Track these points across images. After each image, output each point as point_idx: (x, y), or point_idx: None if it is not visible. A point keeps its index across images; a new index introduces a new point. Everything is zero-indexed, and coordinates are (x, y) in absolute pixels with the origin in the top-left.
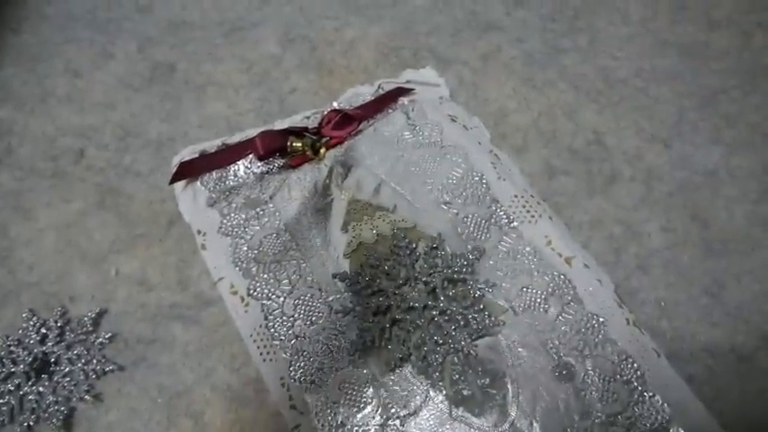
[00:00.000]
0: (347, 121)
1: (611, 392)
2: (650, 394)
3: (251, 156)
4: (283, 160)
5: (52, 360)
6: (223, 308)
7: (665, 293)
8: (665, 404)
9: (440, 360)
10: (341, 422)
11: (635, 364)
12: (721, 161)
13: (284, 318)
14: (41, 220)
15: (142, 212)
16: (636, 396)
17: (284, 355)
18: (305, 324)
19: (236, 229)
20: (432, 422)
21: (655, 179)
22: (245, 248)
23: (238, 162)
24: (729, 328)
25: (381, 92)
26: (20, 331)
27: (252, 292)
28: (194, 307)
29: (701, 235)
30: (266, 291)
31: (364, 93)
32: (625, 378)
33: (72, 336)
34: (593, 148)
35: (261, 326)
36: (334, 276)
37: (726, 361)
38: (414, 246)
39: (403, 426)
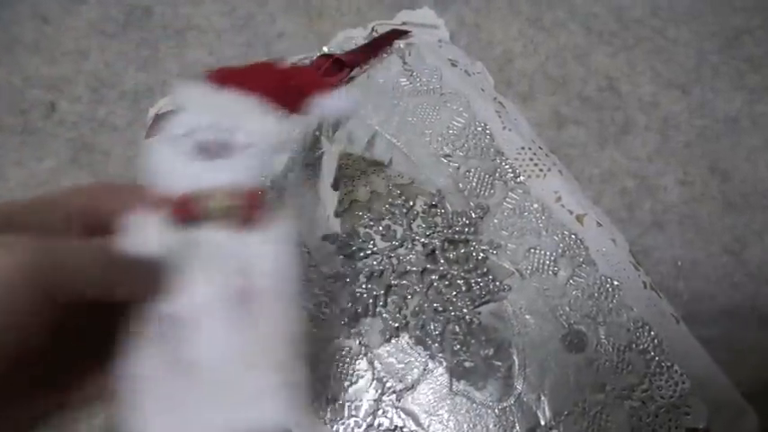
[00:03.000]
0: (338, 68)
1: (626, 363)
2: (668, 364)
3: None
4: None
5: None
6: None
7: (683, 252)
8: (685, 375)
9: (439, 329)
10: (331, 397)
11: (652, 332)
12: (744, 108)
13: None
14: (11, 179)
15: (120, 170)
16: (653, 366)
17: None
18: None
19: None
20: (430, 397)
21: (672, 128)
22: None
23: None
24: (750, 290)
25: (375, 35)
26: None
27: None
28: None
29: (721, 188)
30: None
31: (357, 36)
32: (641, 347)
33: None
34: (605, 94)
35: None
36: (324, 238)
37: (746, 324)
38: (411, 203)
39: (399, 401)
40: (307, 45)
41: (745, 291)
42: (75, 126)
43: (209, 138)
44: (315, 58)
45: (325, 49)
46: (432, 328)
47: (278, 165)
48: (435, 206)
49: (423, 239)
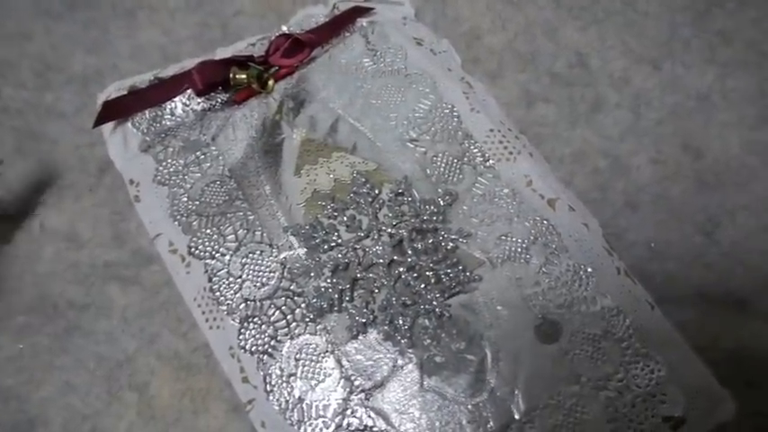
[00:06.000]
0: (298, 48)
1: (602, 352)
2: (644, 352)
3: (189, 91)
4: (226, 95)
5: None
6: (166, 265)
7: (656, 233)
8: (661, 362)
9: (408, 323)
10: (298, 397)
11: (627, 320)
12: (715, 83)
13: (231, 279)
14: None
15: (68, 159)
16: (628, 355)
17: (232, 322)
18: (254, 286)
19: (173, 177)
20: (401, 395)
21: (643, 105)
22: (185, 199)
23: (175, 99)
24: (724, 270)
25: (337, 12)
26: None
27: (193, 249)
28: (132, 265)
29: (694, 166)
30: (209, 248)
31: (317, 14)
32: (617, 335)
33: None
34: (575, 71)
35: (205, 289)
36: (287, 230)
37: (720, 306)
38: (376, 191)
39: (368, 400)
40: (265, 24)
41: (719, 272)
42: (19, 113)
43: None
44: (273, 37)
45: (285, 28)
46: (400, 322)
47: (236, 152)
48: (402, 194)
49: (389, 230)
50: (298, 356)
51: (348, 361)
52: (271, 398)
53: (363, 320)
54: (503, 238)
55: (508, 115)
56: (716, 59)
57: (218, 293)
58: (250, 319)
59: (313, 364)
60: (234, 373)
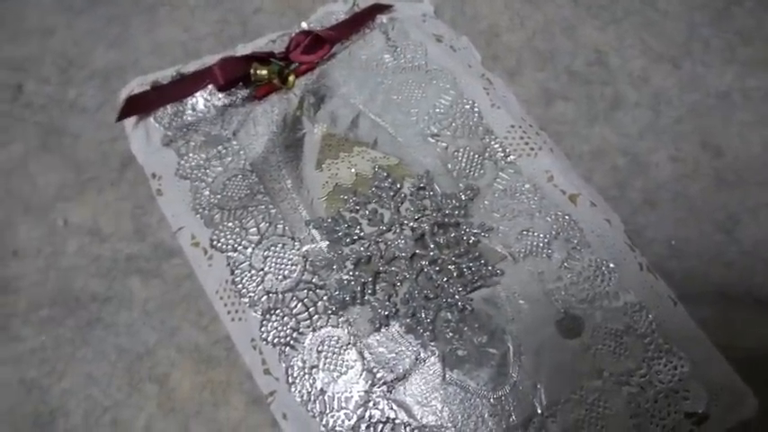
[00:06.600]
0: (318, 44)
1: (624, 348)
2: (667, 348)
3: (210, 86)
4: (247, 91)
5: None
6: (187, 259)
7: (675, 230)
8: (683, 359)
9: (431, 317)
10: (320, 389)
11: (650, 315)
12: (735, 82)
13: (253, 272)
14: None
15: (91, 154)
16: (651, 351)
17: (254, 314)
18: (276, 278)
19: (195, 171)
20: (423, 387)
21: (662, 103)
22: (207, 193)
23: (196, 94)
24: (744, 268)
25: (357, 9)
26: None
27: (215, 242)
28: (154, 259)
29: (713, 164)
30: (231, 241)
31: (337, 11)
32: (639, 331)
33: None
34: (594, 69)
35: (227, 281)
36: (308, 223)
37: (740, 304)
38: (398, 186)
39: (390, 392)
40: (285, 21)
41: (740, 269)
42: (43, 108)
43: None
44: (293, 34)
45: (305, 25)
46: (423, 315)
47: (257, 146)
48: (424, 188)
49: (411, 223)
50: (320, 348)
51: (370, 353)
52: (293, 389)
53: (386, 313)
54: (524, 232)
55: (528, 112)
56: (736, 58)
57: (240, 286)
58: (272, 312)
59: (335, 356)
60: (255, 365)
